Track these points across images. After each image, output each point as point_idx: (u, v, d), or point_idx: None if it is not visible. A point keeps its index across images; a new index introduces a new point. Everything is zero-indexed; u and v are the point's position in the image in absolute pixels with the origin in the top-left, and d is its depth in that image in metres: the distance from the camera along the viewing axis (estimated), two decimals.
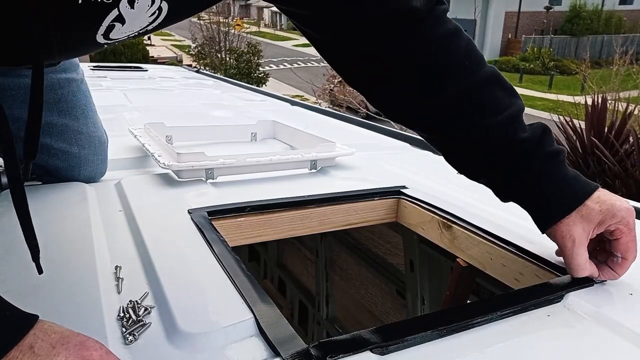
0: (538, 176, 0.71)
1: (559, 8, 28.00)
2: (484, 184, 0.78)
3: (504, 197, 0.77)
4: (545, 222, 0.73)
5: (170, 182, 1.08)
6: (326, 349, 0.53)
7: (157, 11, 0.53)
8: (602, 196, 0.71)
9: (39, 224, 0.62)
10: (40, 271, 0.59)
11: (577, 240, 0.69)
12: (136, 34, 0.56)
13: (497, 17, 27.11)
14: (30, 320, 0.44)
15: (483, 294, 1.15)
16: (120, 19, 0.51)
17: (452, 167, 0.79)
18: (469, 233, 0.92)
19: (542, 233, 0.75)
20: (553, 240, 0.73)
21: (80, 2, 0.47)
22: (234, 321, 0.57)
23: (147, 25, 0.55)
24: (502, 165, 0.73)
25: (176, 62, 17.42)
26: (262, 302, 0.61)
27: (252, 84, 6.49)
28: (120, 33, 0.54)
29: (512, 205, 1.02)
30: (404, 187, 1.13)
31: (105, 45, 0.57)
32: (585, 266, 0.70)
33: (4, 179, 0.99)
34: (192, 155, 1.08)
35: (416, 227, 1.07)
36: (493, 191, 0.78)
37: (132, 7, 0.51)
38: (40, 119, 0.57)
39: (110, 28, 0.52)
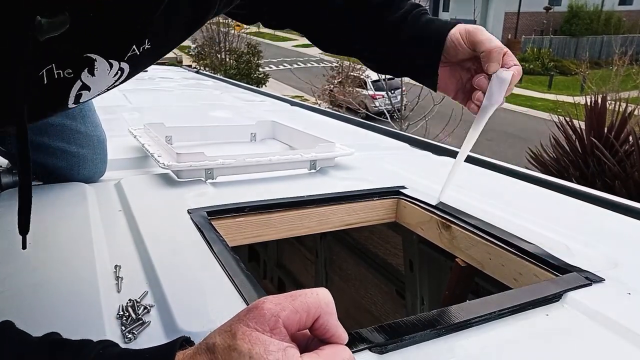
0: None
1: (558, 8, 28.00)
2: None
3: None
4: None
5: (170, 182, 1.08)
6: None
7: (119, 72, 0.55)
8: None
9: (39, 223, 0.62)
10: (24, 246, 0.57)
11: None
12: (105, 90, 0.58)
13: (497, 18, 27.12)
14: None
15: (482, 293, 1.15)
16: (85, 87, 0.54)
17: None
18: (467, 233, 0.92)
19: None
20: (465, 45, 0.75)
21: (45, 82, 0.49)
22: None
23: (114, 83, 0.57)
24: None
25: (176, 62, 17.37)
26: None
27: (251, 85, 6.49)
28: (88, 96, 0.56)
29: (512, 205, 1.02)
30: (403, 187, 1.13)
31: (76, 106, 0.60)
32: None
33: (4, 179, 0.99)
34: (191, 155, 1.08)
35: (415, 227, 1.07)
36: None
37: (92, 74, 0.52)
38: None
39: (78, 97, 0.55)
